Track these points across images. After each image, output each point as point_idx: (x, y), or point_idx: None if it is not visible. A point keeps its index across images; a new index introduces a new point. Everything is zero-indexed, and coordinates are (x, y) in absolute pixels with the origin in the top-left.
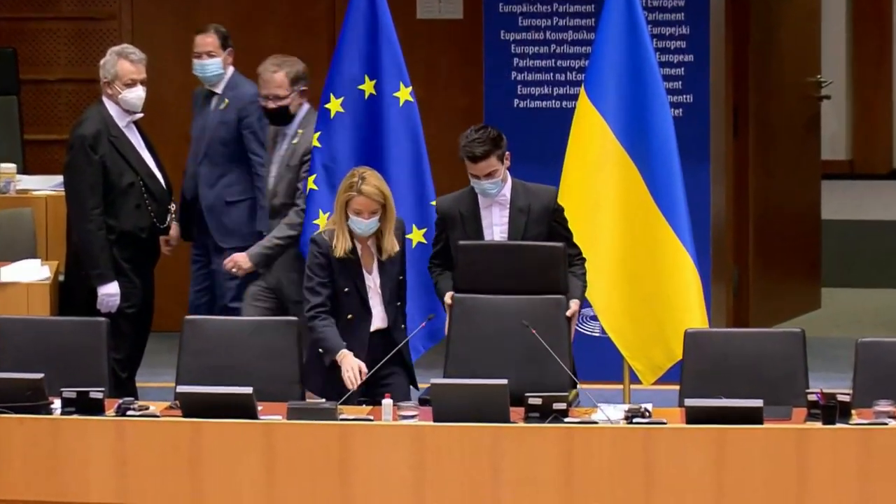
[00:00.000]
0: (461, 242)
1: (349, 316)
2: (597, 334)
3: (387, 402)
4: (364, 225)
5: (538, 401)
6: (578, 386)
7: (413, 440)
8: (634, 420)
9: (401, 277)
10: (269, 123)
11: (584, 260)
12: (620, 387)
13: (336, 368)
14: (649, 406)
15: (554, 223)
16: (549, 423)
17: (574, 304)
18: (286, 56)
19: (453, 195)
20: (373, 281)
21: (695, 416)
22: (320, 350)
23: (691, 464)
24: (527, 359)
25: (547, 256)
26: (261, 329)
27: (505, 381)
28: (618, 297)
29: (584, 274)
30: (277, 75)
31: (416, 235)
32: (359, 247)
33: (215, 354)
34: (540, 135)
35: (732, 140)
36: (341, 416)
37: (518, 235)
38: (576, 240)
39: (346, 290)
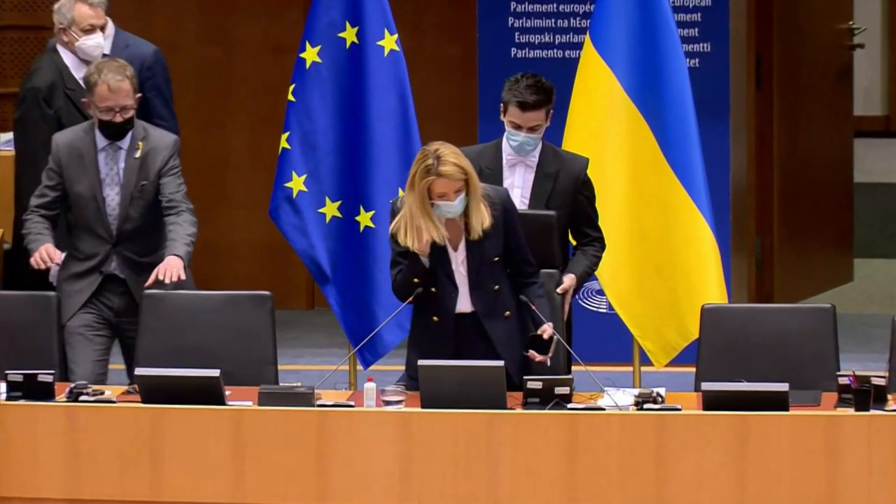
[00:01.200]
0: None
1: (433, 289)
2: (603, 310)
3: (369, 385)
4: (453, 207)
5: (538, 385)
6: (573, 369)
7: (399, 428)
8: (645, 406)
9: (496, 259)
10: (109, 140)
11: (603, 246)
12: (630, 369)
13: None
14: (662, 391)
15: (581, 196)
16: (551, 409)
17: (568, 280)
18: (117, 60)
19: (475, 149)
20: (458, 258)
21: (713, 402)
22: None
23: (709, 455)
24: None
25: (538, 226)
26: (230, 305)
27: (501, 363)
28: (627, 268)
29: (598, 257)
30: (125, 84)
31: None
32: (441, 221)
33: (178, 333)
34: None
35: (755, 93)
36: (319, 402)
37: (541, 203)
38: None
39: (429, 266)
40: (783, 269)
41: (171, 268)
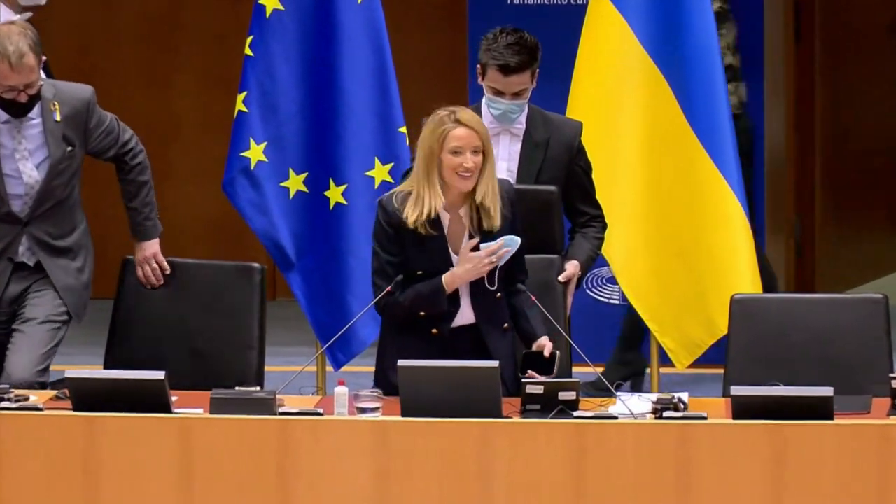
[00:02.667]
0: None
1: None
2: (615, 301)
3: (340, 390)
4: (468, 169)
5: (538, 389)
6: (579, 371)
7: (375, 440)
8: (665, 414)
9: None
10: (13, 117)
11: (604, 226)
12: (647, 370)
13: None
14: (684, 396)
15: (576, 167)
16: (554, 417)
17: (571, 268)
18: (18, 25)
19: None
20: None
21: (744, 410)
22: (425, 307)
23: (740, 471)
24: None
25: (538, 204)
26: (213, 275)
27: (495, 363)
28: (644, 253)
29: (600, 240)
30: (29, 59)
31: (380, 172)
32: (445, 217)
33: (154, 306)
34: (541, 41)
35: (794, 48)
36: (281, 409)
37: (530, 177)
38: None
39: (421, 273)
40: (826, 253)
41: (155, 268)
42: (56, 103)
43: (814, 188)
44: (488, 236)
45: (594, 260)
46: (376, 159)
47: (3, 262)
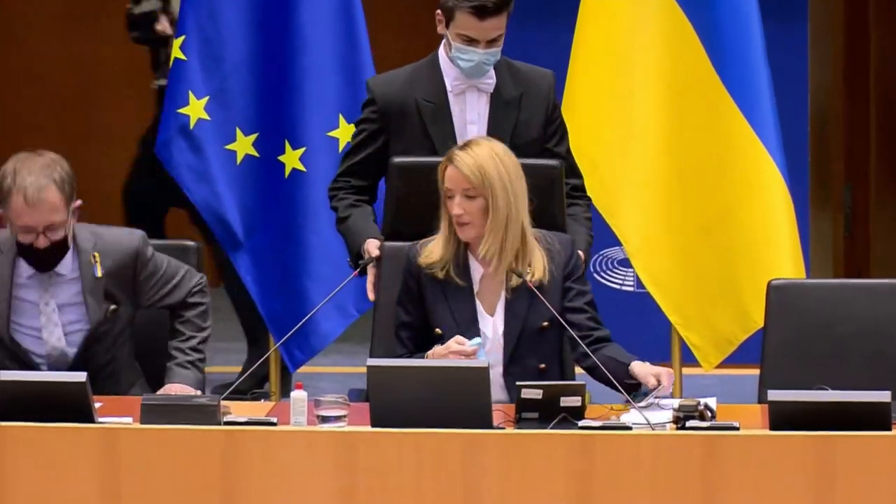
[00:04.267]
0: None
1: None
2: (629, 288)
3: (298, 394)
4: (458, 216)
5: (537, 394)
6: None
7: (340, 455)
8: (689, 424)
9: (544, 324)
10: (37, 270)
11: (588, 200)
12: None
13: None
14: (712, 402)
15: (553, 127)
16: (555, 428)
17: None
18: (48, 156)
19: (400, 73)
20: (492, 326)
21: (784, 418)
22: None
23: (778, 492)
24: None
25: (538, 180)
26: None
27: (485, 362)
28: (664, 231)
29: (589, 219)
30: (50, 195)
31: (346, 132)
32: (477, 269)
33: None
34: None
35: None
36: (226, 418)
37: (503, 141)
38: (598, 143)
39: (441, 331)
40: (882, 230)
41: None
42: (96, 255)
43: (868, 152)
44: (518, 298)
45: (591, 242)
46: (341, 117)
47: None
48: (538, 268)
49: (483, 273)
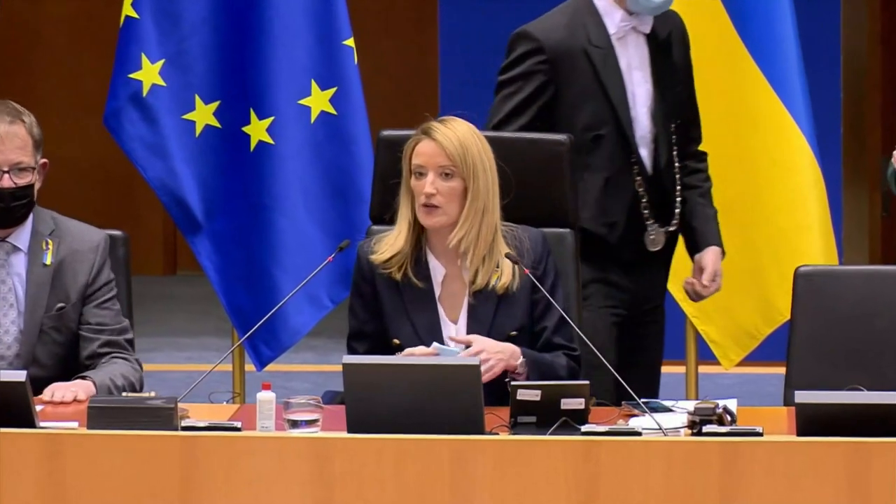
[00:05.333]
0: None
1: None
2: None
3: (265, 395)
4: (429, 196)
5: (534, 395)
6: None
7: (312, 463)
8: (706, 429)
9: (512, 333)
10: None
11: (704, 157)
12: (681, 369)
13: None
14: (732, 404)
15: (687, 69)
16: (556, 433)
17: (713, 256)
18: (19, 107)
19: (559, 17)
20: (456, 334)
21: (813, 422)
22: None
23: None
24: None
25: (542, 158)
26: None
27: (477, 360)
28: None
29: (710, 189)
30: (19, 130)
31: (319, 100)
32: (438, 269)
33: None
34: None
35: None
36: (184, 422)
37: (670, 92)
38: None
39: (398, 341)
40: None
41: (68, 389)
42: (50, 241)
43: None
44: (483, 303)
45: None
46: (313, 83)
47: None
48: (506, 269)
49: (445, 274)
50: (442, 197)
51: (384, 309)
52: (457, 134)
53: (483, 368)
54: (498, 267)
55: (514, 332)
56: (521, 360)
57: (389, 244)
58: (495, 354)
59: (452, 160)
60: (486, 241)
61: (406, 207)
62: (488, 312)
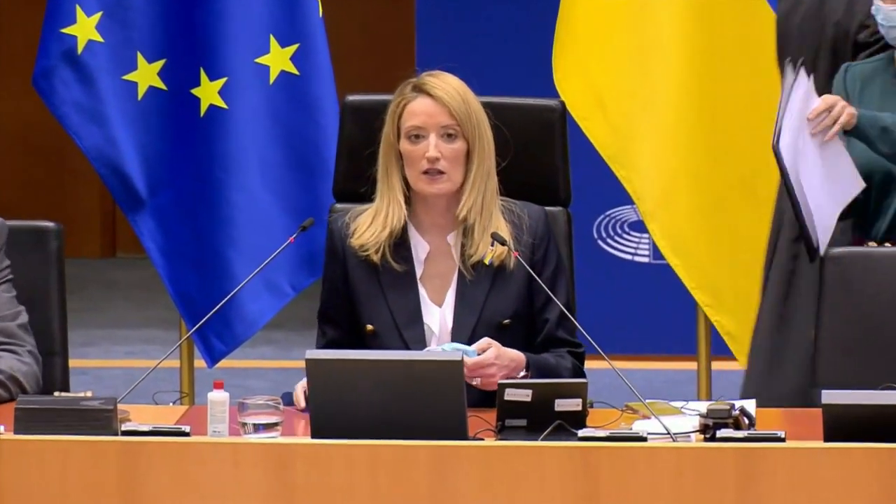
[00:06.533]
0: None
1: None
2: (644, 259)
3: (217, 396)
4: (434, 160)
5: (525, 395)
6: (589, 367)
7: (271, 472)
8: (720, 434)
9: (505, 322)
10: None
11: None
12: (692, 366)
13: None
14: (750, 404)
15: None
16: (549, 438)
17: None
18: None
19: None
20: (440, 319)
21: (841, 425)
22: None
23: None
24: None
25: (538, 124)
26: None
27: (459, 355)
28: (687, 183)
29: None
30: None
31: (278, 58)
32: (420, 245)
33: None
34: None
35: None
36: (125, 426)
37: None
38: (606, 72)
39: (371, 327)
40: None
41: None
42: None
43: None
44: (477, 280)
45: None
46: (272, 38)
47: None
48: (505, 231)
49: (428, 251)
50: (446, 161)
51: (357, 292)
52: (455, 89)
53: (489, 371)
54: (493, 245)
55: (506, 321)
56: (522, 373)
57: (366, 224)
58: (509, 363)
59: (456, 118)
60: (489, 211)
61: (395, 178)
62: (479, 295)
